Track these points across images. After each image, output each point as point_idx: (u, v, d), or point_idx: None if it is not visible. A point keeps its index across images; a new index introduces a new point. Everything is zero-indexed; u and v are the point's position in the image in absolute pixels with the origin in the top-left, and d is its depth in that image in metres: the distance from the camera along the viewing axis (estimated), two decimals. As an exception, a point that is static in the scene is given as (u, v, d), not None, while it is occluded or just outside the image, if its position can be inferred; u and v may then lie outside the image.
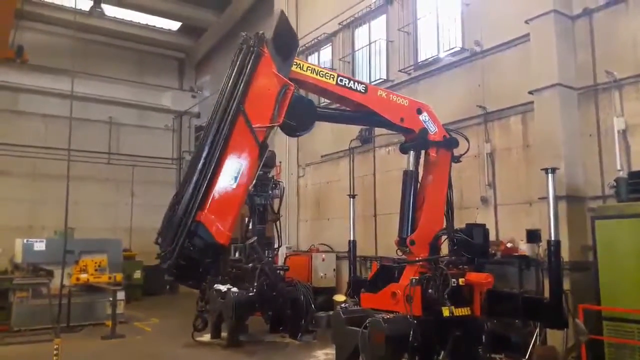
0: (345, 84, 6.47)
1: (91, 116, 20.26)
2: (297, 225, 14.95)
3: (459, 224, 7.24)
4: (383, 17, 12.64)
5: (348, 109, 7.10)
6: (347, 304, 7.75)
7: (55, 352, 5.92)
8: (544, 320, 6.00)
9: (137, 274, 18.23)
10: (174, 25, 20.83)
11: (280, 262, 12.96)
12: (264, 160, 10.30)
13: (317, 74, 6.28)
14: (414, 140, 7.11)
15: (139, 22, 20.17)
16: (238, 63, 5.80)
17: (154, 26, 20.63)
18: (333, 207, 13.60)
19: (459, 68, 10.45)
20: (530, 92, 8.40)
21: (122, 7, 19.03)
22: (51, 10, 18.30)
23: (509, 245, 8.65)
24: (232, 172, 5.40)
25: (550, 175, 5.73)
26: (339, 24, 13.66)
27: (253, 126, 5.54)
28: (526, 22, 8.54)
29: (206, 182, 5.30)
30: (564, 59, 8.15)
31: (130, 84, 20.81)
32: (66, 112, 19.54)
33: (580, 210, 7.86)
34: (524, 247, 8.32)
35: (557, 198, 7.34)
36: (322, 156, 14.17)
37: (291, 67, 6.00)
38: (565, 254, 7.61)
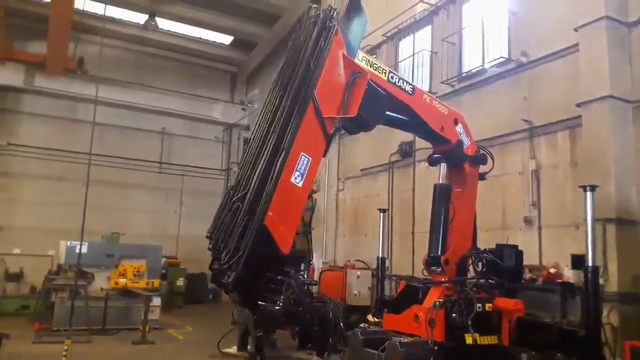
0: (395, 81, 5.94)
1: (145, 126, 21.01)
2: (335, 239, 14.62)
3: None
4: (428, 28, 12.28)
5: (390, 110, 6.26)
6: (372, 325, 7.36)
7: (64, 353, 5.88)
8: (578, 355, 5.35)
9: (180, 282, 18.52)
10: (226, 39, 21.22)
11: (316, 276, 12.69)
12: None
13: (371, 66, 5.66)
14: (449, 152, 6.66)
15: (192, 36, 20.68)
16: (313, 40, 4.98)
17: (207, 40, 21.10)
18: (371, 223, 13.18)
19: (504, 80, 9.89)
20: (578, 105, 7.76)
21: (176, 21, 19.59)
22: (109, 24, 19.08)
23: (552, 270, 7.94)
24: (301, 167, 4.69)
25: (589, 193, 5.18)
26: (383, 35, 13.39)
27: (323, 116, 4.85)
28: (575, 29, 7.93)
29: (274, 176, 4.53)
30: (617, 69, 7.48)
31: (183, 95, 21.31)
32: (121, 121, 20.62)
33: (632, 235, 7.11)
34: (569, 274, 7.60)
35: (604, 220, 6.79)
36: (361, 170, 13.84)
37: (357, 53, 5.37)
38: (613, 284, 6.96)
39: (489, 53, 10.39)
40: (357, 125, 5.37)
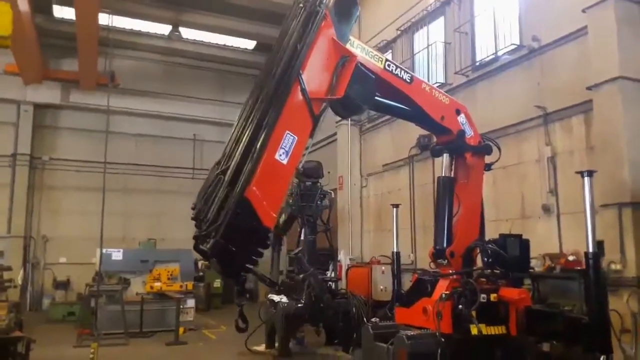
0: (392, 69, 5.94)
1: (177, 134, 21.57)
2: (361, 236, 14.70)
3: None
4: (441, 20, 12.17)
5: (388, 99, 6.33)
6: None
7: (91, 356, 6.23)
8: (583, 344, 5.26)
9: (217, 283, 18.96)
10: (250, 44, 21.55)
11: (343, 273, 12.81)
12: (311, 171, 10.40)
13: (366, 54, 5.71)
14: (451, 143, 6.65)
15: (216, 43, 21.12)
16: (301, 23, 5.06)
17: (231, 46, 21.48)
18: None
19: (517, 67, 9.73)
20: (589, 88, 7.57)
21: (199, 30, 20.03)
22: (136, 37, 19.75)
23: (570, 258, 7.79)
24: (285, 145, 4.76)
25: (586, 179, 5.11)
26: (397, 29, 13.35)
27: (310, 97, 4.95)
28: (583, 10, 7.74)
29: (256, 152, 4.61)
30: (627, 49, 7.25)
31: (212, 102, 21.78)
32: (154, 130, 21.25)
33: (649, 219, 6.90)
34: (588, 261, 7.45)
35: (619, 205, 6.64)
36: (383, 166, 13.87)
37: (348, 38, 5.46)
38: (631, 269, 6.81)
39: (502, 41, 10.23)
40: (345, 107, 5.46)
